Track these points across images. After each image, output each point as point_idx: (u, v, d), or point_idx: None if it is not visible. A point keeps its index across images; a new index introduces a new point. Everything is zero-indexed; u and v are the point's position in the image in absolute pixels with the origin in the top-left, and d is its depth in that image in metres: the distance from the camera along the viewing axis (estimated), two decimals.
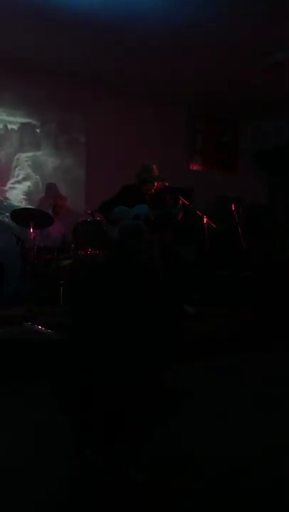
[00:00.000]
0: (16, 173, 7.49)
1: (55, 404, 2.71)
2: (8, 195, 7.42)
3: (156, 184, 5.90)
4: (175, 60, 6.92)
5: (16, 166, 7.48)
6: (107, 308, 2.69)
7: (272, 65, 6.93)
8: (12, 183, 7.47)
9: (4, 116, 7.33)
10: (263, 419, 3.51)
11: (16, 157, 7.49)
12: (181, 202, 6.22)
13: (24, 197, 7.53)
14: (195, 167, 9.49)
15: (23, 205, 7.32)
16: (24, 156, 7.55)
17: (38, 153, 7.67)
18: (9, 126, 7.39)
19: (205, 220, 6.44)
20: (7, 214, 6.87)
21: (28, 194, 7.54)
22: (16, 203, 7.38)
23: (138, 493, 2.53)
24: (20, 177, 7.53)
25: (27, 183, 7.57)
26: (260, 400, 3.90)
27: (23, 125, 7.52)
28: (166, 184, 6.01)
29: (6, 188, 7.41)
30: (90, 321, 2.76)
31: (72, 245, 6.22)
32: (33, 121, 7.61)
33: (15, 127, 7.44)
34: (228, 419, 3.50)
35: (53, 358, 3.33)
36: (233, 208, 6.78)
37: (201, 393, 3.86)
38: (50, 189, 7.56)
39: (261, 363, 4.84)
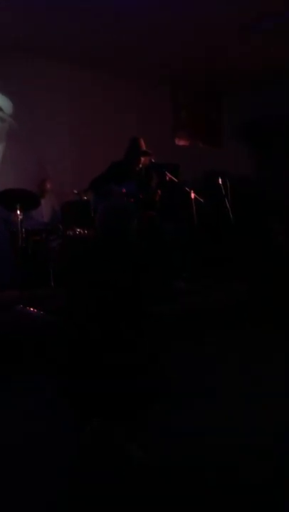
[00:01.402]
0: None
1: (52, 388, 2.73)
2: None
3: (143, 159, 5.94)
4: (158, 34, 6.79)
5: None
6: (98, 287, 2.70)
7: (261, 33, 6.79)
8: None
9: None
10: (260, 397, 3.42)
11: None
12: (168, 178, 6.20)
13: None
14: (181, 142, 9.43)
15: None
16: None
17: None
18: None
19: (192, 195, 6.41)
20: None
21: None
22: None
23: (138, 473, 2.57)
24: None
25: None
26: (258, 378, 3.79)
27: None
28: (152, 160, 6.00)
29: None
30: (81, 301, 2.77)
31: (60, 226, 6.20)
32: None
33: None
34: (222, 397, 3.42)
35: (48, 341, 3.34)
36: (220, 182, 6.74)
37: (196, 371, 3.84)
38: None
39: (254, 340, 4.72)
